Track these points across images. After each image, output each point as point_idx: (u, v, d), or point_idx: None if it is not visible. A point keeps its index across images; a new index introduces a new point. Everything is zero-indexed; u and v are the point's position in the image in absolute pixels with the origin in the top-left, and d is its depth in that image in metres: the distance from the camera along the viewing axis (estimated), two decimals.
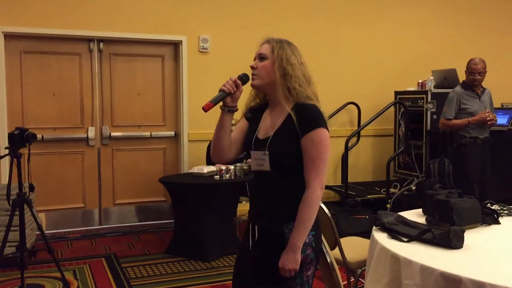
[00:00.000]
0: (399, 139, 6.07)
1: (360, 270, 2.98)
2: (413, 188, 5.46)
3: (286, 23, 5.76)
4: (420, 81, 5.89)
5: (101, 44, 5.45)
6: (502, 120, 4.95)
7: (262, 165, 1.99)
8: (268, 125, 2.04)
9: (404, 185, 5.68)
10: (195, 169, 4.72)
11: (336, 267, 2.10)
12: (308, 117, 1.93)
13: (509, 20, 7.03)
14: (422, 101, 5.69)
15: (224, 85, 1.97)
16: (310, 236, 1.94)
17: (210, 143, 5.39)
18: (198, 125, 5.68)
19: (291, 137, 1.94)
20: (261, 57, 2.02)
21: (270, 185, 1.99)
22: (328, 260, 2.02)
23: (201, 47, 5.66)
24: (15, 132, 2.85)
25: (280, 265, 1.90)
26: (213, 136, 2.07)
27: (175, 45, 5.70)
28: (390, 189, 5.58)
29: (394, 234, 2.34)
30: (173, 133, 5.77)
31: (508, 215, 2.78)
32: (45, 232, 5.01)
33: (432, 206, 2.57)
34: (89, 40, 5.40)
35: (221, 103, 1.99)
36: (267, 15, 5.86)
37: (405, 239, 2.28)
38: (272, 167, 1.96)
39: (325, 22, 6.11)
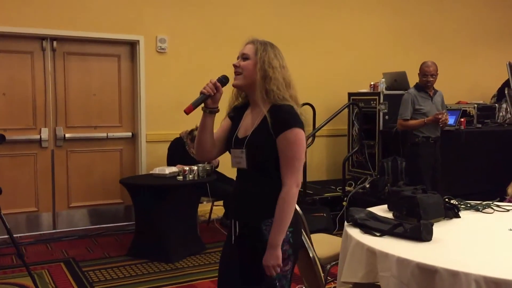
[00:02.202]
0: (353, 139, 6.28)
1: (329, 266, 3.08)
2: (367, 186, 5.66)
3: (242, 24, 5.83)
4: (372, 83, 6.12)
5: (55, 43, 5.29)
6: (449, 120, 5.24)
7: (240, 162, 2.07)
8: (247, 124, 2.10)
9: (358, 183, 5.88)
10: (157, 170, 4.68)
11: (318, 261, 2.18)
12: (282, 118, 2.00)
13: (451, 27, 7.43)
14: (375, 102, 5.91)
15: (204, 88, 2.03)
16: (288, 233, 2.01)
17: (170, 144, 5.39)
18: (156, 126, 5.64)
19: (266, 136, 2.01)
20: (244, 57, 2.08)
21: (248, 182, 2.07)
22: (311, 255, 2.11)
23: (159, 47, 5.62)
24: None
25: (264, 263, 1.97)
26: (196, 137, 2.14)
27: (132, 45, 5.63)
28: (346, 188, 5.76)
29: (367, 229, 2.44)
30: (130, 134, 5.69)
31: (465, 209, 2.97)
32: None
33: (399, 202, 2.71)
34: (42, 38, 5.23)
35: (202, 105, 2.04)
36: (224, 16, 5.90)
37: (377, 234, 2.39)
38: (248, 165, 2.04)
39: (279, 24, 6.21)
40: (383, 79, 5.98)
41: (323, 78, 6.49)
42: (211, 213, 5.60)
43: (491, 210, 2.93)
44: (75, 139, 5.44)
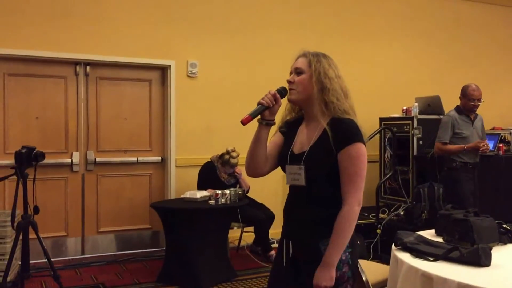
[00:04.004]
0: (385, 164, 6.13)
1: None
2: (401, 213, 5.49)
3: (273, 49, 5.80)
4: (404, 107, 6.01)
5: (88, 68, 5.34)
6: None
7: (297, 179, 1.95)
8: (303, 139, 2.01)
9: (391, 210, 5.71)
10: (188, 194, 4.61)
11: (371, 286, 2.05)
12: (345, 132, 1.91)
13: (482, 52, 7.33)
14: (408, 127, 5.78)
15: (263, 99, 1.94)
16: (347, 253, 1.90)
17: (201, 168, 5.31)
18: (186, 150, 5.60)
19: (326, 152, 1.91)
20: (298, 71, 2.00)
21: (305, 200, 1.96)
22: (364, 278, 1.98)
23: (190, 72, 5.63)
24: (22, 151, 2.71)
25: (315, 282, 1.85)
26: (249, 150, 2.02)
27: (163, 70, 5.65)
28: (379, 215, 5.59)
29: (419, 253, 2.31)
30: (159, 158, 5.65)
31: None
32: None
33: (451, 226, 2.57)
34: (76, 63, 5.29)
35: (258, 117, 1.95)
36: (255, 40, 5.89)
37: (431, 258, 2.25)
38: (307, 182, 1.93)
39: (309, 48, 6.18)
40: (416, 104, 5.86)
41: (355, 103, 6.38)
42: (240, 239, 5.48)
43: None
44: (105, 163, 5.42)
